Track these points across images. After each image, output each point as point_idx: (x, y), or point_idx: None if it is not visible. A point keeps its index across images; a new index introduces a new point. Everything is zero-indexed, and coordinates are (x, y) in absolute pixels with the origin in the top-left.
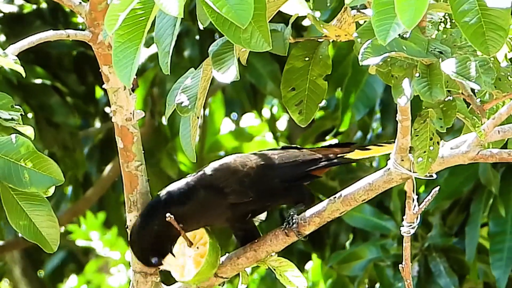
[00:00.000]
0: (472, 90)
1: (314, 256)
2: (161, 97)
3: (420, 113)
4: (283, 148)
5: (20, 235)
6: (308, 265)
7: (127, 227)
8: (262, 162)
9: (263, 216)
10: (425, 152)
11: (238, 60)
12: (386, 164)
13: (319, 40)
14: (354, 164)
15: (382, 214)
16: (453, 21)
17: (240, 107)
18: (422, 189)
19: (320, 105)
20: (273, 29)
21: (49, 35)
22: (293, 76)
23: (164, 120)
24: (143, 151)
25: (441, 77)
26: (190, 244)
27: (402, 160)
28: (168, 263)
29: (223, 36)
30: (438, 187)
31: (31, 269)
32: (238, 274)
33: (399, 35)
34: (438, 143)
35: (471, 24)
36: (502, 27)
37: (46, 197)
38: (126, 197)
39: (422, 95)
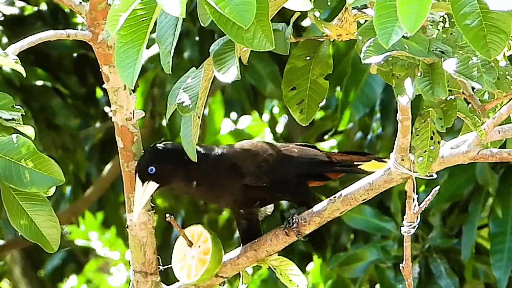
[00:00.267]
0: (473, 89)
1: (315, 257)
2: (161, 98)
3: (421, 112)
4: (304, 145)
5: (19, 234)
6: (309, 266)
7: (127, 227)
8: (282, 152)
9: (270, 209)
10: (425, 151)
11: (239, 60)
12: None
13: (320, 39)
14: None
15: (383, 215)
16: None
17: (240, 108)
18: (422, 189)
19: (320, 105)
20: (274, 29)
21: (49, 35)
22: (294, 76)
23: (164, 121)
24: (143, 151)
25: (443, 76)
26: (190, 244)
27: (403, 160)
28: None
29: (223, 36)
30: (438, 186)
31: (31, 269)
32: (239, 273)
33: None
34: (438, 142)
35: (472, 26)
36: (503, 30)
37: (46, 197)
38: (126, 197)
39: (424, 94)
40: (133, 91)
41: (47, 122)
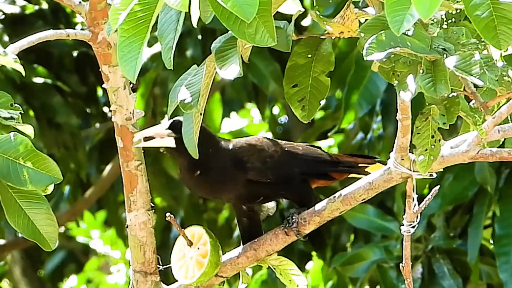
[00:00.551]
0: (475, 87)
1: (314, 257)
2: (162, 97)
3: (422, 111)
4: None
5: (20, 235)
6: (309, 266)
7: (127, 226)
8: (287, 149)
9: (272, 210)
10: (426, 150)
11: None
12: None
13: (321, 37)
14: None
15: (385, 215)
16: (453, 19)
17: (239, 107)
18: (426, 191)
19: (320, 105)
20: (276, 26)
21: (49, 34)
22: (296, 73)
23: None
24: (143, 151)
25: (446, 73)
26: (190, 244)
27: (402, 159)
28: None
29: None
30: (438, 186)
31: (31, 269)
32: (238, 273)
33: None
34: (439, 141)
35: (483, 17)
36: None
37: (45, 197)
38: (126, 197)
39: (426, 91)
40: (134, 90)
41: (48, 120)
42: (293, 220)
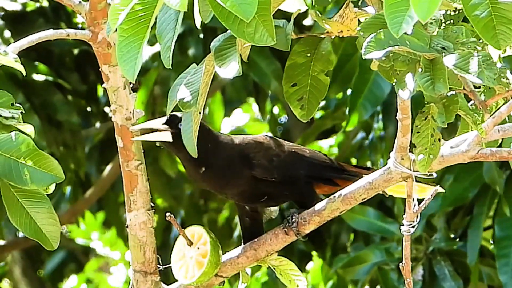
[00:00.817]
0: (474, 87)
1: (314, 257)
2: (163, 97)
3: (421, 110)
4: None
5: (20, 235)
6: (309, 266)
7: (127, 226)
8: (294, 150)
9: (275, 213)
10: (426, 149)
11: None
12: (386, 163)
13: (321, 36)
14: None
15: (386, 217)
16: (452, 20)
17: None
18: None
19: (320, 105)
20: (275, 25)
21: (49, 34)
22: (295, 72)
23: None
24: (143, 151)
25: (444, 71)
26: (190, 243)
27: (402, 159)
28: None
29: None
30: (438, 186)
31: (31, 269)
32: (238, 273)
33: None
34: (439, 140)
35: (482, 17)
36: None
37: (46, 195)
38: (126, 196)
39: (425, 89)
40: (134, 90)
41: (48, 118)
42: (293, 220)
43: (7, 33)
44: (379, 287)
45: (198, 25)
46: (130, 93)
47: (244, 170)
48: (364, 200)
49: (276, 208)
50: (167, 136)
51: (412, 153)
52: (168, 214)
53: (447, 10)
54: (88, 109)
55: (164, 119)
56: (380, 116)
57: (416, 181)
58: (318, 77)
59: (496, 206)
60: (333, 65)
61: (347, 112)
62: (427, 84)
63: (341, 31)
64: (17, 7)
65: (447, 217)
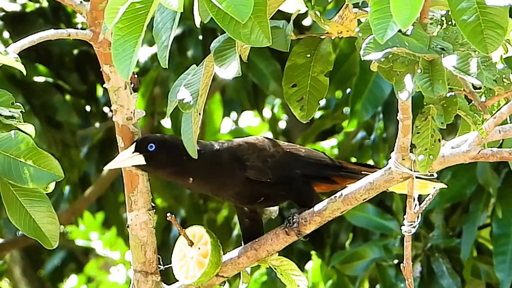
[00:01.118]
0: (474, 88)
1: (314, 256)
2: (162, 97)
3: (421, 110)
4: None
5: (19, 233)
6: (308, 265)
7: (128, 226)
8: (289, 150)
9: (275, 213)
10: (426, 149)
11: (240, 57)
12: (387, 163)
13: (321, 37)
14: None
15: (385, 213)
16: (453, 21)
17: (239, 107)
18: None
19: (320, 105)
20: (275, 26)
21: (50, 34)
22: (295, 73)
23: (164, 121)
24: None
25: (443, 72)
26: (191, 243)
27: (403, 159)
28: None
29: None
30: (440, 182)
31: (31, 269)
32: (239, 273)
33: (400, 31)
34: (439, 140)
35: (470, 22)
36: (500, 25)
37: (46, 194)
38: (127, 197)
39: (424, 90)
40: (135, 90)
41: (48, 119)
42: (293, 220)
43: (6, 34)
44: (378, 286)
45: (198, 24)
46: (131, 93)
47: (237, 172)
48: (365, 201)
49: (276, 208)
50: (140, 160)
51: (413, 153)
52: (168, 214)
53: (448, 11)
54: (87, 108)
55: (132, 147)
56: (381, 116)
57: (418, 177)
58: (318, 78)
59: (493, 203)
60: (332, 66)
61: (348, 113)
62: (426, 85)
63: (341, 32)
64: (16, 8)
65: (445, 214)
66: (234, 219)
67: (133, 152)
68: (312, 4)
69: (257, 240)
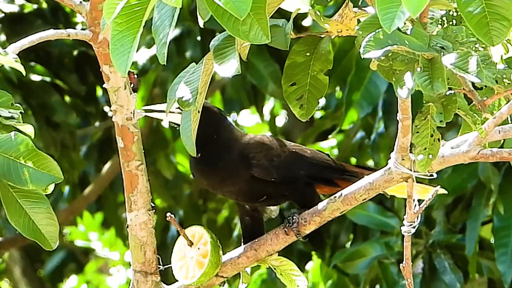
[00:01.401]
0: (474, 87)
1: (314, 256)
2: (161, 98)
3: (421, 109)
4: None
5: (18, 232)
6: (308, 266)
7: (128, 226)
8: (295, 151)
9: (275, 213)
10: (425, 149)
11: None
12: (387, 163)
13: (320, 35)
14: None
15: (386, 211)
16: (454, 21)
17: (239, 107)
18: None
19: (320, 105)
20: (274, 25)
21: (50, 34)
22: (294, 71)
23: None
24: (143, 151)
25: (443, 71)
26: (191, 243)
27: (403, 160)
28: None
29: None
30: (439, 186)
31: (31, 269)
32: (239, 273)
33: (400, 30)
34: (439, 140)
35: (475, 14)
36: (506, 17)
37: (45, 195)
38: (127, 197)
39: (423, 88)
40: (135, 91)
41: (46, 119)
42: (293, 220)
43: (4, 36)
44: (378, 286)
45: (201, 24)
46: (130, 94)
47: (242, 169)
48: (364, 201)
49: (276, 207)
50: (177, 118)
51: (412, 153)
52: (168, 214)
53: (449, 11)
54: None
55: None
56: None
57: (417, 181)
58: (318, 77)
59: (495, 197)
60: (332, 65)
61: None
62: (426, 83)
63: (341, 31)
64: (15, 8)
65: (446, 210)
66: (234, 220)
67: (176, 108)
68: (312, 3)
69: (256, 240)
